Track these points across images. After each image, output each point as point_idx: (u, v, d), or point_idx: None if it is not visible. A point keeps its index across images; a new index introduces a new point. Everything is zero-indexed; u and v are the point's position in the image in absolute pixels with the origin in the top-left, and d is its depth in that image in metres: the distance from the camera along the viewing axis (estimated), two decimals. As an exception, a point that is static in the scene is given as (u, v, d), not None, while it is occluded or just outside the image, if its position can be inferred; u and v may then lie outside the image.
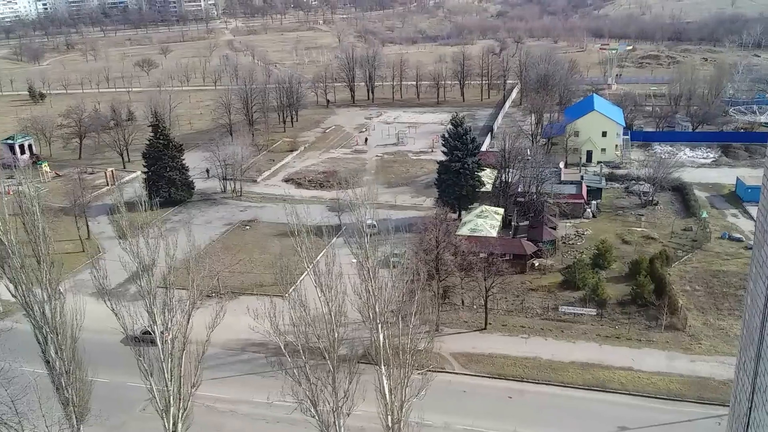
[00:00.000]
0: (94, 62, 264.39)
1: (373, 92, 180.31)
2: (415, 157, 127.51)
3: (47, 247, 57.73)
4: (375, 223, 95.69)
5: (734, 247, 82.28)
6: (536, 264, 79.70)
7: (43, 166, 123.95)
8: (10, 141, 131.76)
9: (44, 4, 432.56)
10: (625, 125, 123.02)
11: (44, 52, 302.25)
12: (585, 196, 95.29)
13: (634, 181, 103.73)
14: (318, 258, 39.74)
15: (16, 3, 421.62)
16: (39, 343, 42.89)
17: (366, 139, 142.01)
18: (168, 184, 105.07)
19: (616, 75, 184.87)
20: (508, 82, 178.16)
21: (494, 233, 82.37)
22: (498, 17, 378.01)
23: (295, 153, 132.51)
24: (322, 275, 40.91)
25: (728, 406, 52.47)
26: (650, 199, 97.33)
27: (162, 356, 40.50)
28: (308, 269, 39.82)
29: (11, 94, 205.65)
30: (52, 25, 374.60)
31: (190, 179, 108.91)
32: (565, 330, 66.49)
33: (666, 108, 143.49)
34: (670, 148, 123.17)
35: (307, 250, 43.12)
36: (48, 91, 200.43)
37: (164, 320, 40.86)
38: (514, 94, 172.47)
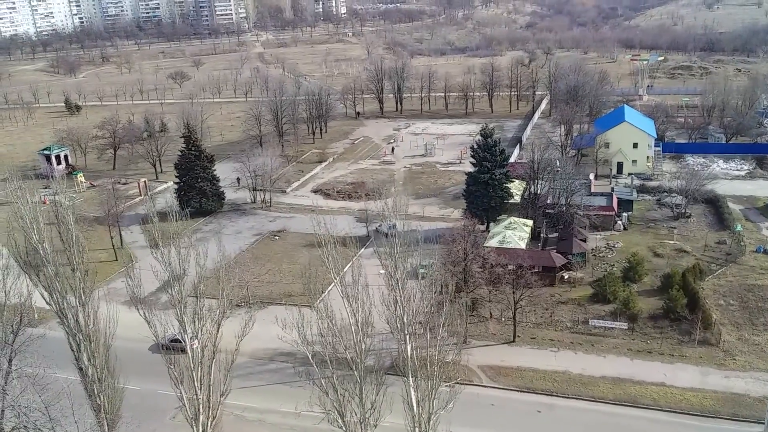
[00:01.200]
0: (129, 75, 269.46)
1: (401, 104, 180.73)
2: (443, 169, 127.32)
3: (81, 256, 58.71)
4: (390, 231, 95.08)
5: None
6: (566, 277, 78.78)
7: (78, 176, 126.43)
8: (46, 152, 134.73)
9: (81, 18, 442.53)
10: (656, 136, 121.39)
11: (80, 65, 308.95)
12: (616, 208, 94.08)
13: (666, 193, 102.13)
14: (346, 269, 39.75)
15: (53, 17, 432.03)
16: (72, 350, 43.57)
17: (393, 149, 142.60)
18: (199, 194, 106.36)
19: (648, 86, 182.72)
20: (537, 93, 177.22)
21: (523, 245, 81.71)
22: (527, 29, 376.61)
23: (323, 164, 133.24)
24: (349, 286, 40.96)
25: (764, 423, 51.43)
26: (683, 211, 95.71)
27: (192, 364, 40.84)
28: (335, 280, 39.92)
29: (48, 106, 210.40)
30: (88, 39, 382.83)
31: (221, 190, 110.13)
32: (595, 344, 65.53)
33: (698, 119, 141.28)
34: (703, 160, 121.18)
35: (335, 260, 43.26)
36: (84, 103, 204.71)
37: (194, 329, 41.24)
38: (543, 106, 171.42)
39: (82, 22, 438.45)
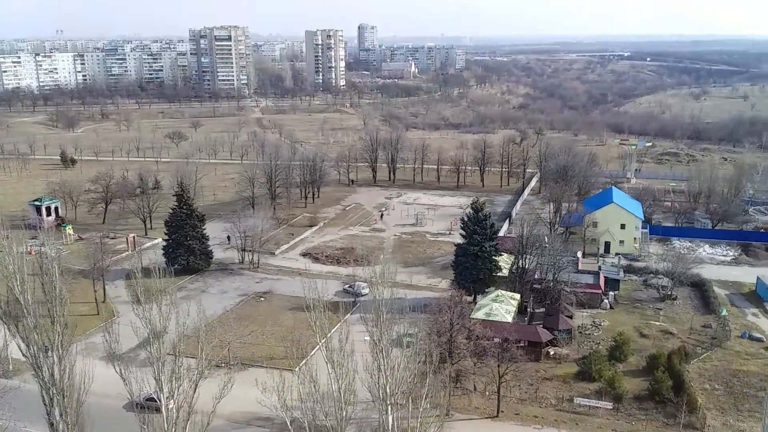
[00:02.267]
0: (127, 132, 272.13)
1: (394, 173, 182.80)
2: (432, 239, 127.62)
3: (62, 309, 57.69)
4: (362, 291, 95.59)
5: (755, 347, 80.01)
6: (552, 353, 77.86)
7: (67, 228, 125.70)
8: (37, 202, 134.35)
9: (84, 76, 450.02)
10: (643, 219, 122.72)
11: (79, 120, 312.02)
12: (603, 287, 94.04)
13: (652, 275, 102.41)
14: (331, 333, 39.09)
15: (57, 73, 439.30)
16: (45, 404, 42.20)
17: (382, 215, 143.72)
18: (187, 252, 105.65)
19: (635, 169, 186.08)
20: (527, 170, 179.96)
21: (509, 319, 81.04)
22: (519, 109, 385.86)
23: (314, 228, 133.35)
24: (334, 351, 40.27)
25: None
26: (669, 293, 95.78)
27: (166, 425, 39.53)
28: (320, 344, 39.25)
29: (44, 158, 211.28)
30: (90, 95, 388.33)
31: (209, 248, 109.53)
32: (579, 423, 64.13)
33: (685, 204, 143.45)
34: (689, 244, 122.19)
35: (321, 325, 42.66)
36: (79, 157, 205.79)
37: (171, 388, 40.14)
38: (533, 183, 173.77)
39: (86, 80, 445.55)
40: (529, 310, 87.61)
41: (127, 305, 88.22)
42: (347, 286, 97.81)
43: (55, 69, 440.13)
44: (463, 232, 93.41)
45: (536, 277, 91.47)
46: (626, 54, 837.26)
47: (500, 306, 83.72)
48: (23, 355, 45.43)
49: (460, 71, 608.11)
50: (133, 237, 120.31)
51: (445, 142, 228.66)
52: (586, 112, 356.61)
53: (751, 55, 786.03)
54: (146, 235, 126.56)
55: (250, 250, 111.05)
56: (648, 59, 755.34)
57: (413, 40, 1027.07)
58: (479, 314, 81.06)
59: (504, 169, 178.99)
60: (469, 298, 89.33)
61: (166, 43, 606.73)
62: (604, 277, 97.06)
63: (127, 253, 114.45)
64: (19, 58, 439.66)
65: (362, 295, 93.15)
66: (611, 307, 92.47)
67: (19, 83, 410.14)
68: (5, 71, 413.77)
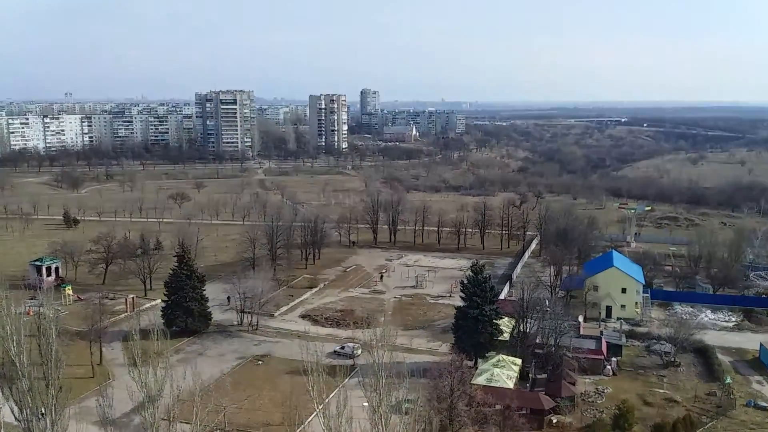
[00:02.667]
0: (131, 193, 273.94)
1: (395, 235, 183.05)
2: (433, 301, 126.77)
3: (57, 372, 56.90)
4: (354, 352, 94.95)
5: (761, 416, 78.35)
6: (554, 421, 76.18)
7: (66, 289, 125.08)
8: (37, 263, 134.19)
9: (91, 137, 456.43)
10: (645, 283, 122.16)
11: (84, 181, 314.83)
12: (605, 353, 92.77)
13: (654, 341, 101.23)
14: (328, 399, 38.42)
15: (64, 134, 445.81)
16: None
17: (382, 276, 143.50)
18: (186, 313, 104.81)
19: (635, 233, 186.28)
20: (527, 233, 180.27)
21: (511, 385, 79.65)
22: (519, 172, 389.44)
23: (314, 290, 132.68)
24: (332, 418, 39.47)
25: None
26: (672, 359, 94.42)
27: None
28: (317, 410, 38.51)
29: (47, 218, 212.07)
30: (96, 157, 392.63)
31: (208, 310, 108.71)
32: (583, 495, 62.14)
33: (686, 269, 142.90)
34: (691, 309, 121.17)
35: (318, 390, 41.95)
36: (82, 218, 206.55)
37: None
38: (533, 246, 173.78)
39: (92, 141, 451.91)
40: (530, 375, 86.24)
41: (124, 368, 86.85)
42: (339, 347, 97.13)
43: (62, 130, 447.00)
44: (463, 295, 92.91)
45: (538, 341, 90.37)
46: (623, 119, 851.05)
47: (501, 371, 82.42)
48: (16, 419, 44.54)
49: (461, 135, 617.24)
50: (133, 298, 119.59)
51: (446, 204, 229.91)
52: (585, 176, 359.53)
53: (746, 121, 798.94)
54: (146, 296, 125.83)
55: (249, 312, 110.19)
56: (645, 125, 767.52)
57: (414, 105, 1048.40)
58: (480, 380, 79.73)
59: (504, 232, 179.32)
60: (470, 363, 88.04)
61: (173, 106, 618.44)
62: (607, 342, 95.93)
63: (125, 314, 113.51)
64: (27, 119, 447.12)
65: (355, 356, 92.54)
66: (614, 374, 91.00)
67: (26, 144, 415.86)
68: (13, 132, 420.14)
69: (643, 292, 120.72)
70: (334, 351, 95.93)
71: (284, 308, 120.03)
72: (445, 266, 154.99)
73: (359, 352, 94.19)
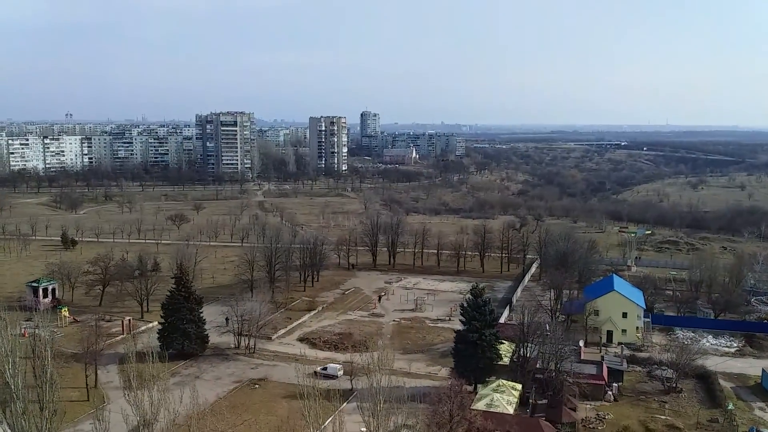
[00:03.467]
0: (129, 214, 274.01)
1: (394, 258, 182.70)
2: (432, 324, 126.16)
3: (52, 395, 56.44)
4: (339, 374, 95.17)
5: (765, 444, 77.44)
6: (554, 447, 75.30)
7: (62, 310, 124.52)
8: (34, 284, 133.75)
9: (90, 158, 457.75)
10: (645, 307, 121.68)
11: (82, 202, 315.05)
12: (606, 378, 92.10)
13: (656, 366, 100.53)
14: (326, 424, 38.03)
15: (64, 155, 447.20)
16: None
17: (380, 297, 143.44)
18: (182, 336, 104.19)
19: (636, 257, 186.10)
20: (527, 256, 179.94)
21: (511, 410, 78.92)
22: (519, 195, 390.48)
23: (312, 312, 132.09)
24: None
25: None
26: (673, 385, 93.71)
27: None
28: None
29: (44, 239, 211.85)
30: (95, 178, 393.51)
31: (205, 333, 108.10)
32: None
33: (686, 293, 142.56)
34: (692, 335, 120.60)
35: (315, 414, 41.56)
36: (80, 239, 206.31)
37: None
38: (533, 269, 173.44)
39: (92, 162, 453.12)
40: (531, 401, 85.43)
41: (119, 391, 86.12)
42: (320, 368, 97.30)
43: (62, 151, 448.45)
44: (463, 319, 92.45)
45: (538, 366, 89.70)
46: (623, 143, 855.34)
47: (501, 396, 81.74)
48: (8, 443, 44.05)
49: (460, 158, 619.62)
50: (129, 320, 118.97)
51: (446, 227, 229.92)
52: (585, 200, 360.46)
53: (746, 146, 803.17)
54: (142, 318, 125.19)
55: (246, 335, 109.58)
56: (644, 148, 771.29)
57: (414, 128, 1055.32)
58: (480, 405, 79.01)
59: (504, 255, 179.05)
60: (470, 388, 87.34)
61: (173, 128, 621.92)
62: (608, 367, 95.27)
63: (121, 336, 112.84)
64: (27, 140, 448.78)
65: (335, 377, 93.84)
66: (615, 399, 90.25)
67: (25, 165, 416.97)
68: (13, 153, 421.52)
69: (644, 317, 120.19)
70: (315, 372, 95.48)
71: (282, 331, 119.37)
72: (445, 289, 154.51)
73: (341, 372, 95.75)
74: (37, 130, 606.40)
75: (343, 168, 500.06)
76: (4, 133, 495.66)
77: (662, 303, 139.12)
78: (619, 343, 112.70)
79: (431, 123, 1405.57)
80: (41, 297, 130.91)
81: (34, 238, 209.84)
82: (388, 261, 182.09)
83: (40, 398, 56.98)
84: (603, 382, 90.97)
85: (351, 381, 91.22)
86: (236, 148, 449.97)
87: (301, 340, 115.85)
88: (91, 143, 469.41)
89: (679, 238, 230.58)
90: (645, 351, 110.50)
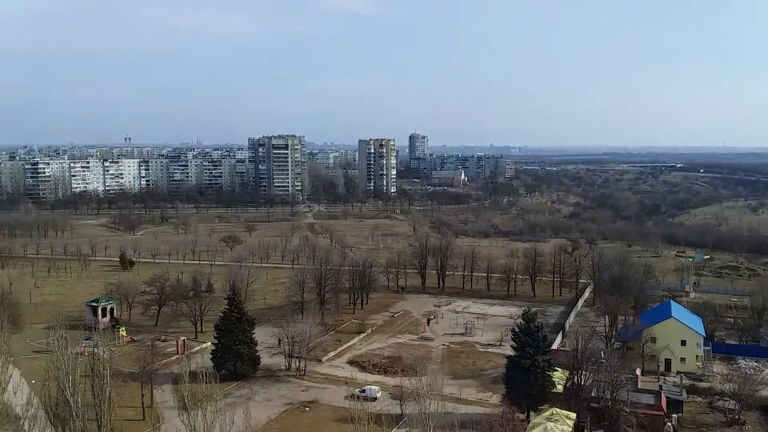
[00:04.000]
0: (184, 235, 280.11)
1: (443, 281, 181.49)
2: (482, 349, 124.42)
3: (110, 413, 57.64)
4: (377, 395, 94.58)
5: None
6: (611, 479, 72.81)
7: (120, 330, 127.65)
8: (94, 304, 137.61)
9: (147, 181, 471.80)
10: (705, 335, 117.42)
11: (140, 223, 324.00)
12: (665, 408, 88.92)
13: (717, 396, 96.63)
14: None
15: (122, 177, 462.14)
16: None
17: (429, 321, 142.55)
18: (235, 357, 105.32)
19: (694, 283, 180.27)
20: (580, 281, 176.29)
21: (565, 440, 76.80)
22: (570, 218, 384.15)
23: (362, 335, 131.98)
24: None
25: None
26: (736, 417, 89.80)
27: None
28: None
29: (104, 259, 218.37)
30: (152, 200, 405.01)
31: (257, 354, 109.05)
32: None
33: (748, 321, 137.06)
34: (756, 364, 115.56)
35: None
36: (137, 259, 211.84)
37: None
38: (586, 294, 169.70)
39: (149, 184, 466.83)
40: (586, 431, 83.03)
41: (173, 411, 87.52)
42: (359, 390, 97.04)
43: (121, 174, 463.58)
44: (515, 344, 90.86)
45: (593, 395, 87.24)
46: (678, 165, 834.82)
47: (555, 426, 79.64)
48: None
49: (510, 180, 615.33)
50: (184, 340, 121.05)
51: (495, 250, 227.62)
52: (640, 223, 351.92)
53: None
54: (196, 338, 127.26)
55: (297, 357, 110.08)
56: (701, 170, 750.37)
57: (463, 150, 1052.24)
58: (533, 433, 77.16)
59: (556, 279, 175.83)
60: (522, 416, 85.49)
61: (227, 151, 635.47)
62: (666, 397, 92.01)
63: (176, 356, 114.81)
64: (88, 163, 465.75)
65: (375, 399, 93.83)
66: (675, 431, 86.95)
67: (86, 187, 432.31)
68: (74, 175, 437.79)
69: (704, 345, 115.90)
70: (353, 395, 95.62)
71: (332, 353, 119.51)
72: (495, 313, 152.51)
73: (379, 394, 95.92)
74: (98, 153, 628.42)
75: (392, 190, 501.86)
76: (66, 157, 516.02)
77: (723, 331, 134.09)
78: (678, 372, 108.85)
79: (480, 145, 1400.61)
80: (100, 316, 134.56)
81: (93, 258, 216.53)
82: (437, 284, 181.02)
83: (98, 417, 58.28)
84: (662, 413, 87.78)
85: (401, 406, 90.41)
86: (287, 170, 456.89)
87: (350, 362, 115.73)
88: (148, 166, 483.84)
89: (740, 263, 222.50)
90: (705, 381, 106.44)
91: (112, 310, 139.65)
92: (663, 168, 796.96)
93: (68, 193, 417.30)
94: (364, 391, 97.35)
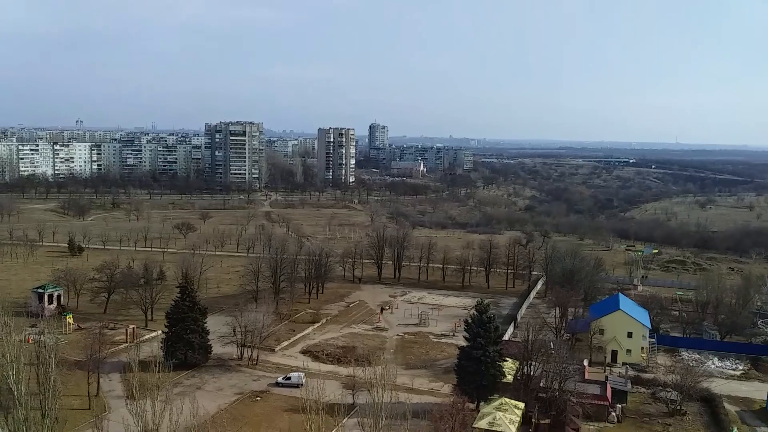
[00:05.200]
0: (136, 222, 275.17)
1: (400, 271, 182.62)
2: (436, 340, 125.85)
3: (55, 402, 56.59)
4: (302, 382, 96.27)
5: (770, 469, 76.66)
6: (556, 467, 74.80)
7: (67, 317, 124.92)
8: (40, 290, 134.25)
9: (99, 165, 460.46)
10: (651, 327, 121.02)
11: (90, 209, 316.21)
12: (610, 399, 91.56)
13: (660, 388, 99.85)
14: (326, 440, 38.04)
15: (73, 162, 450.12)
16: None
17: (382, 309, 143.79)
18: (186, 346, 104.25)
19: (642, 276, 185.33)
20: (533, 273, 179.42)
21: (513, 429, 78.51)
22: (526, 211, 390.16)
23: (316, 325, 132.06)
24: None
25: None
26: (678, 408, 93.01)
27: None
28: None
29: (51, 245, 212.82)
30: (103, 185, 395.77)
31: (209, 343, 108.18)
32: None
33: (693, 314, 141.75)
34: (698, 356, 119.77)
35: (317, 429, 41.56)
36: (87, 245, 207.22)
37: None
38: (539, 286, 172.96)
39: (100, 169, 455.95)
40: (533, 420, 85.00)
41: (121, 400, 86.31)
42: (283, 378, 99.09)
43: (72, 158, 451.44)
44: (467, 335, 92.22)
45: (542, 385, 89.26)
46: (631, 160, 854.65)
47: (504, 415, 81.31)
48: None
49: (468, 172, 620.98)
50: (133, 328, 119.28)
51: (452, 242, 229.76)
52: (592, 217, 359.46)
53: (756, 165, 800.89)
54: (146, 326, 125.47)
55: (250, 346, 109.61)
56: (653, 166, 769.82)
57: (422, 141, 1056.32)
58: (482, 423, 78.70)
59: (510, 271, 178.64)
60: (472, 406, 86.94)
61: (182, 136, 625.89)
62: (612, 388, 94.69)
63: (125, 345, 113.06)
64: (37, 146, 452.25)
65: (299, 386, 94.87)
66: (619, 421, 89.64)
67: (35, 170, 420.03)
68: (22, 158, 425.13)
69: (650, 337, 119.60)
70: (276, 382, 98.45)
71: (285, 343, 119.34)
72: (450, 304, 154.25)
73: (304, 380, 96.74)
74: (48, 136, 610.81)
75: (351, 180, 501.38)
76: (14, 139, 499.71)
77: (668, 323, 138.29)
78: (624, 364, 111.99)
79: (439, 136, 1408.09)
80: (46, 303, 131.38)
81: (41, 244, 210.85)
82: (393, 274, 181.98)
83: (42, 405, 57.15)
84: (607, 403, 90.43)
85: (353, 396, 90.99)
86: (244, 157, 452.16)
87: (304, 352, 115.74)
88: (100, 150, 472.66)
89: (687, 258, 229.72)
90: (650, 372, 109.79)
91: (59, 296, 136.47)
92: (616, 163, 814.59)
93: (15, 176, 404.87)
94: (289, 378, 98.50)
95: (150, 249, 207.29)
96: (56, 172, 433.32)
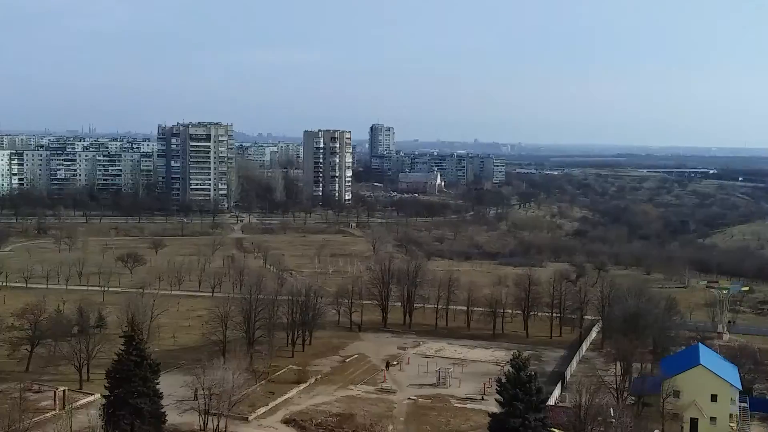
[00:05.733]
0: (68, 252, 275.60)
1: (411, 316, 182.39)
2: (459, 405, 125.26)
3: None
4: None
5: None
6: None
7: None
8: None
9: (21, 180, 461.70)
10: (741, 389, 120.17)
11: (9, 236, 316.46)
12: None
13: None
14: None
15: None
16: None
17: (388, 365, 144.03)
18: (132, 414, 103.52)
19: (729, 322, 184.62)
20: (585, 317, 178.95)
21: None
22: (575, 237, 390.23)
23: (302, 386, 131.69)
24: None
25: None
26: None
27: None
28: None
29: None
30: (26, 204, 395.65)
31: (162, 410, 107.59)
32: None
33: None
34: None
35: None
36: (4, 283, 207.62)
37: None
38: (593, 334, 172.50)
39: (22, 184, 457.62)
40: None
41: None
42: None
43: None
44: (500, 398, 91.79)
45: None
46: (712, 171, 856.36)
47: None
48: None
49: (499, 186, 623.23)
50: (64, 391, 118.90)
51: (479, 277, 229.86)
52: (662, 244, 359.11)
53: None
54: (81, 388, 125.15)
55: (215, 414, 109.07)
56: (740, 178, 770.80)
57: (439, 146, 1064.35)
58: None
59: (555, 315, 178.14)
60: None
61: (128, 142, 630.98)
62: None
63: (53, 412, 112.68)
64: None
65: None
66: None
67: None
68: None
69: (740, 401, 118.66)
70: None
71: (262, 410, 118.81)
72: (477, 358, 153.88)
73: None
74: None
75: (347, 197, 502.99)
76: None
77: (764, 383, 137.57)
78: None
79: (461, 141, 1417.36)
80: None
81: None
82: (402, 320, 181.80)
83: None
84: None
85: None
86: (209, 169, 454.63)
87: (286, 422, 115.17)
88: (22, 160, 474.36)
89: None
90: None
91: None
92: (692, 174, 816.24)
93: None
94: None
95: (86, 287, 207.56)
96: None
